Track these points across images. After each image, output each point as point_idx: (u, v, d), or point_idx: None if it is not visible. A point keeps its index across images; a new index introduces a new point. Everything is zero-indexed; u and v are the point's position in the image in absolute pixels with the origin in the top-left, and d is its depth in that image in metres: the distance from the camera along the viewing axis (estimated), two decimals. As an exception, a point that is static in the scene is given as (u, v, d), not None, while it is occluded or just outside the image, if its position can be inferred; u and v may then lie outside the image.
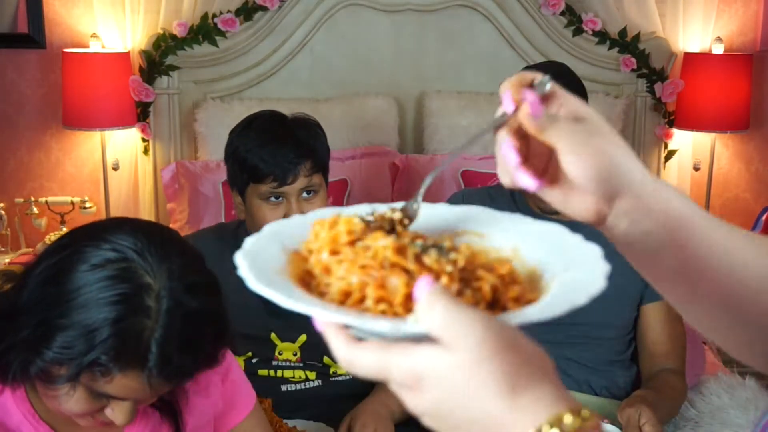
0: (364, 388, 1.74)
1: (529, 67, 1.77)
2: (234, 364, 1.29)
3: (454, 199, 1.91)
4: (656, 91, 3.19)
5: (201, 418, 1.21)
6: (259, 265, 0.58)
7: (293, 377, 1.72)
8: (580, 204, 0.65)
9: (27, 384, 1.05)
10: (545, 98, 0.66)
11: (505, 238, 0.66)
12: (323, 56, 3.17)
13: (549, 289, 0.59)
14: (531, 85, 0.66)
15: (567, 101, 0.66)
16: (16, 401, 1.10)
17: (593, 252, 0.62)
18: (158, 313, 0.96)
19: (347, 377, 1.75)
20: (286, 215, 1.63)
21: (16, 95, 3.18)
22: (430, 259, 0.58)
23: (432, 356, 0.52)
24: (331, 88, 3.18)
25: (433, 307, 0.53)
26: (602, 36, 3.17)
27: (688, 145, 3.29)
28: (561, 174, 0.65)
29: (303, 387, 1.73)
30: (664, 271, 0.69)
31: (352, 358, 0.55)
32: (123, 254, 0.98)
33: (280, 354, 1.71)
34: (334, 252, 0.60)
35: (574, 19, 3.17)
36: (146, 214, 3.15)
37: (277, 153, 1.61)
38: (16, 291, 1.02)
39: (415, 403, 0.55)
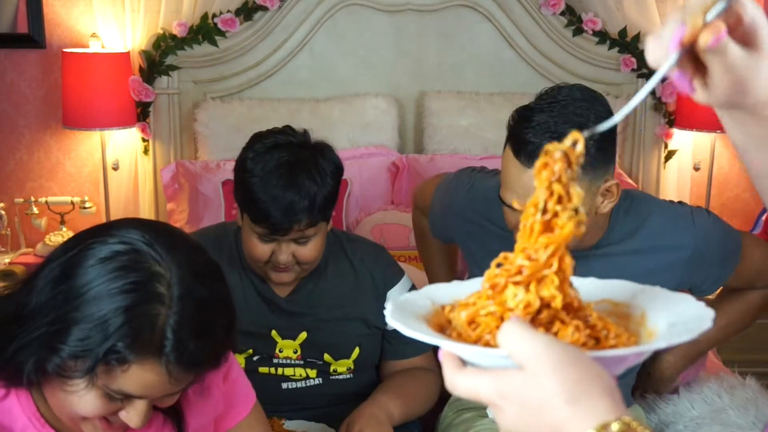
0: (365, 388, 1.74)
1: (551, 91, 1.48)
2: (234, 362, 1.28)
3: (460, 189, 1.81)
4: (656, 91, 3.19)
5: (203, 418, 1.21)
6: (404, 309, 0.72)
7: (294, 375, 1.72)
8: (703, 95, 0.72)
9: (39, 385, 1.04)
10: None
11: (636, 306, 0.75)
12: (323, 56, 3.17)
13: (655, 333, 0.70)
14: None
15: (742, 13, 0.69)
16: (22, 405, 1.09)
17: (705, 316, 0.68)
18: (171, 299, 0.96)
19: (348, 376, 1.75)
20: (274, 254, 1.62)
21: (16, 95, 3.18)
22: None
23: (510, 376, 0.61)
24: (331, 88, 3.18)
25: (508, 333, 0.61)
26: (602, 36, 3.18)
27: (688, 145, 3.29)
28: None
29: (304, 385, 1.72)
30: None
31: (453, 380, 0.64)
32: (132, 245, 0.98)
33: (280, 351, 1.71)
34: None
35: (574, 19, 3.17)
36: (146, 214, 3.16)
37: (277, 203, 1.56)
38: (23, 294, 1.01)
39: (501, 420, 0.62)
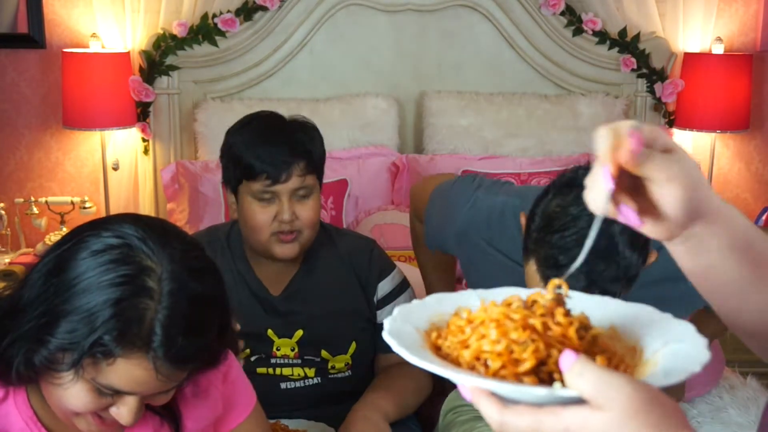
0: (364, 386, 1.74)
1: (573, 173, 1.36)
2: (234, 363, 1.27)
3: (460, 205, 1.71)
4: (656, 91, 3.19)
5: (201, 420, 1.19)
6: (406, 342, 0.69)
7: (292, 375, 1.71)
8: (656, 227, 0.73)
9: (30, 382, 1.04)
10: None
11: (602, 318, 0.75)
12: (323, 56, 3.18)
13: (656, 361, 0.69)
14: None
15: (656, 136, 0.71)
16: (18, 408, 1.09)
17: (687, 328, 0.71)
18: (161, 294, 0.96)
19: (346, 373, 1.75)
20: (277, 215, 1.64)
21: (16, 95, 3.18)
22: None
23: (583, 416, 0.61)
24: (331, 88, 3.18)
25: (583, 374, 0.61)
26: (602, 36, 3.18)
27: (688, 145, 3.29)
28: (646, 204, 0.72)
29: (302, 384, 1.72)
30: (721, 285, 0.78)
31: (506, 421, 0.63)
32: (124, 240, 0.98)
33: (278, 350, 1.71)
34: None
35: (574, 19, 3.17)
36: (146, 213, 3.15)
37: (272, 151, 1.61)
38: (18, 290, 1.01)
39: None
